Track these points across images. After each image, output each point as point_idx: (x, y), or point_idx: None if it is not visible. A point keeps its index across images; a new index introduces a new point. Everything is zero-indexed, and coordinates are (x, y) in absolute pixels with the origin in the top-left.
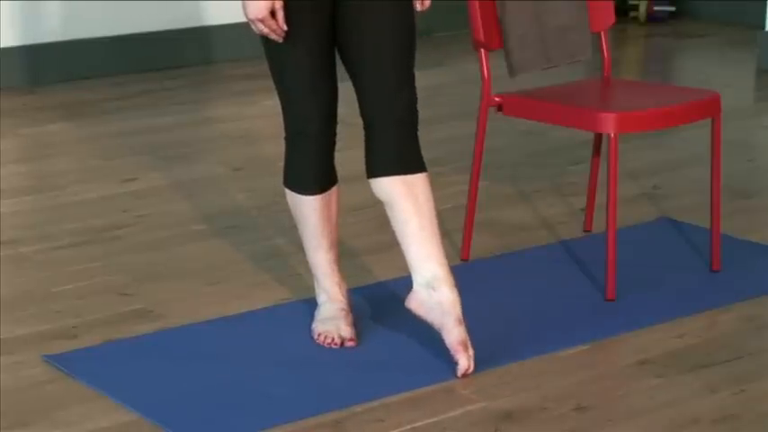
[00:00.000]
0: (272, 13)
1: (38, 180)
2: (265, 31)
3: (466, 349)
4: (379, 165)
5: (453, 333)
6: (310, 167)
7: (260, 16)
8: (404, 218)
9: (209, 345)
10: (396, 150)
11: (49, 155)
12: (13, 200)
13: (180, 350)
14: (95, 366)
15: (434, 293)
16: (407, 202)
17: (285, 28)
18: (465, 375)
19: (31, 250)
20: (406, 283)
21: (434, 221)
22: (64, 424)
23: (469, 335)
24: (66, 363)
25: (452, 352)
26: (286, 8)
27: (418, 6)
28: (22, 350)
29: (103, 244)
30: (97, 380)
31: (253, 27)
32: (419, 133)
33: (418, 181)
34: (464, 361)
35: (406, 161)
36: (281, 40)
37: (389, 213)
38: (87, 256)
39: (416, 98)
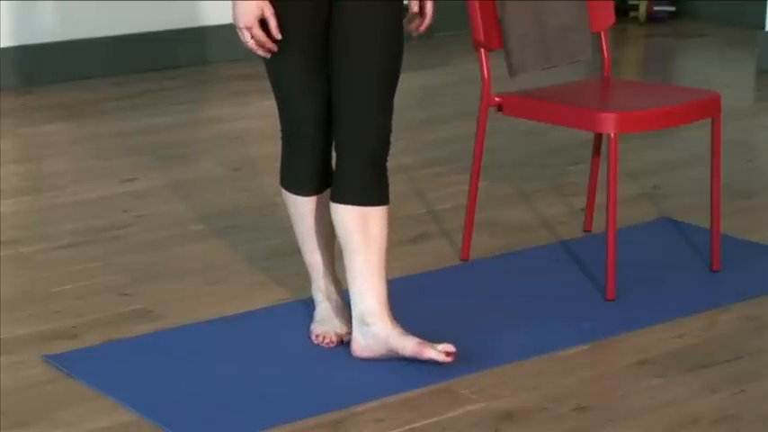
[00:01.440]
0: (264, 22)
1: (37, 180)
2: (251, 43)
3: (426, 345)
4: (339, 192)
5: (406, 345)
6: (306, 168)
7: (248, 24)
8: (351, 250)
9: (209, 345)
10: (358, 181)
11: (48, 155)
12: (13, 200)
13: (180, 350)
14: (95, 366)
15: (368, 329)
16: (359, 235)
17: (278, 37)
18: (450, 354)
19: (30, 250)
20: (404, 284)
21: (383, 256)
22: (64, 424)
23: (469, 335)
24: (66, 363)
25: (420, 357)
26: (278, 12)
27: (418, 24)
28: (22, 350)
29: (103, 244)
30: (97, 380)
31: (240, 37)
32: (419, 136)
33: (375, 214)
34: (434, 353)
35: (366, 193)
36: (268, 56)
37: (339, 238)
38: (87, 256)
39: (391, 129)
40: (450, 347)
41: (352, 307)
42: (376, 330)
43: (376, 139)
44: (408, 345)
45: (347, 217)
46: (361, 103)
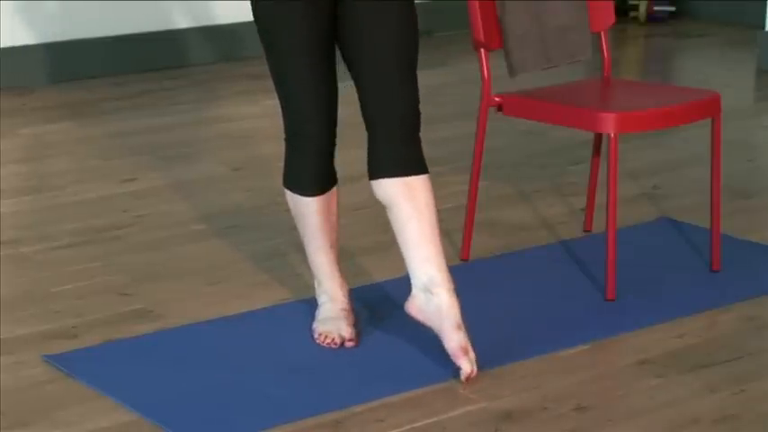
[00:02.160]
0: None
1: (37, 180)
2: None
3: (466, 353)
4: (379, 166)
5: (453, 339)
6: (310, 168)
7: None
8: (403, 220)
9: (209, 345)
10: (397, 152)
11: (48, 155)
12: (13, 200)
13: (180, 350)
14: (95, 366)
15: (432, 298)
16: (407, 204)
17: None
18: (468, 379)
19: (31, 250)
20: (406, 284)
21: (435, 224)
22: (64, 424)
23: (470, 335)
24: (66, 363)
25: (453, 358)
26: (283, 11)
27: None
28: (22, 350)
29: (103, 244)
30: (97, 380)
31: None
32: (420, 136)
33: (419, 183)
34: (466, 366)
35: (407, 163)
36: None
37: (389, 216)
38: (87, 256)
39: (419, 99)
40: (472, 375)
41: (412, 276)
42: (440, 302)
43: (408, 108)
44: (455, 340)
45: (393, 189)
46: (388, 81)
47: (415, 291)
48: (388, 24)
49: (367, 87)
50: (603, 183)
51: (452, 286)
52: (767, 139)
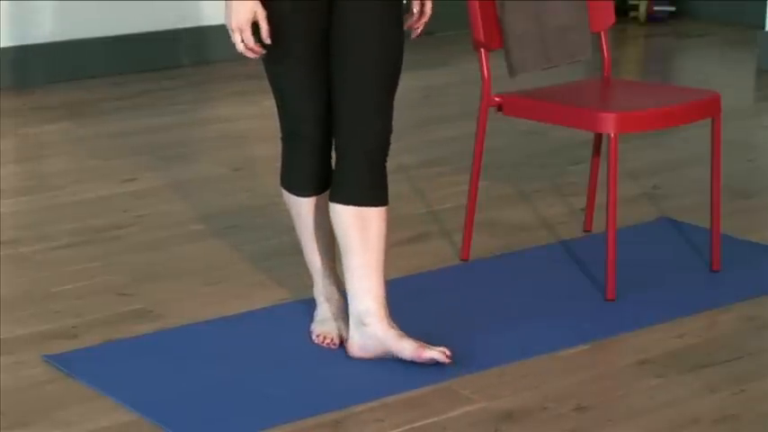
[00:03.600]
0: (256, 26)
1: (37, 180)
2: (240, 46)
3: (425, 347)
4: (337, 192)
5: (404, 347)
6: (306, 169)
7: (241, 25)
8: (350, 250)
9: (209, 345)
10: (357, 181)
11: (48, 155)
12: (13, 200)
13: (180, 350)
14: (95, 366)
15: (366, 329)
16: (357, 234)
17: (268, 42)
18: (449, 357)
19: (30, 250)
20: (404, 284)
21: (381, 256)
22: (64, 424)
23: (470, 335)
24: (66, 363)
25: (419, 360)
26: (279, 12)
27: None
28: (22, 350)
29: (103, 244)
30: (97, 380)
31: (231, 38)
32: (419, 136)
33: (373, 214)
34: (435, 354)
35: (366, 194)
36: (255, 57)
37: (338, 237)
38: (87, 256)
39: (391, 129)
40: (446, 351)
41: (350, 307)
42: (373, 331)
43: (375, 139)
44: (407, 347)
45: (345, 217)
46: (361, 104)
47: (351, 332)
48: (373, 45)
49: (341, 108)
50: (603, 183)
51: (385, 314)
52: (767, 139)
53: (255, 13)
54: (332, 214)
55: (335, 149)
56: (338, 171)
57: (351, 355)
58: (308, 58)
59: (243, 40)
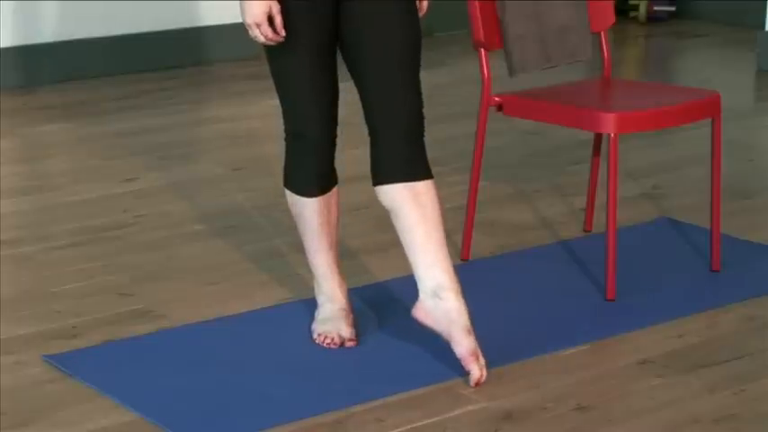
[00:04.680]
0: (271, 19)
1: (37, 180)
2: (261, 38)
3: (477, 359)
4: (384, 172)
5: (463, 344)
6: (310, 169)
7: (257, 20)
8: (409, 226)
9: (209, 345)
10: (401, 157)
11: (48, 155)
12: (13, 200)
13: (180, 350)
14: (95, 366)
15: (440, 302)
16: (413, 210)
17: (283, 34)
18: (478, 384)
19: (31, 250)
20: (406, 284)
21: (441, 229)
22: (64, 424)
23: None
24: (66, 363)
25: (463, 363)
26: (284, 10)
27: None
28: (22, 350)
29: (103, 244)
30: (97, 380)
31: (249, 32)
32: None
33: (424, 188)
34: (476, 371)
35: (412, 168)
36: (274, 44)
37: (394, 221)
38: (87, 256)
39: (422, 103)
40: (481, 380)
41: (419, 281)
42: (449, 307)
43: (409, 116)
44: (465, 345)
45: (398, 195)
46: (391, 83)
47: (422, 296)
48: (390, 27)
49: (369, 91)
50: (603, 183)
51: (460, 290)
52: (767, 139)
53: (270, 7)
54: (383, 197)
55: (371, 133)
56: (379, 153)
57: (415, 316)
58: (314, 58)
59: (262, 33)
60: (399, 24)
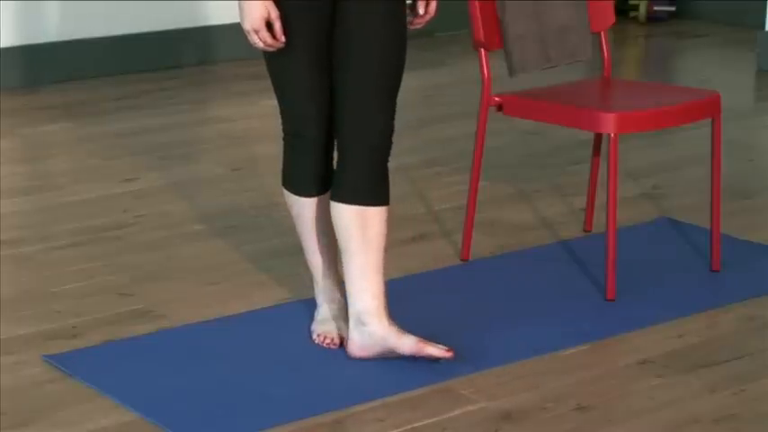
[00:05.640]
0: (269, 25)
1: (38, 180)
2: (260, 44)
3: (426, 343)
4: (338, 191)
5: (404, 343)
6: (308, 168)
7: (256, 27)
8: (350, 250)
9: (209, 345)
10: (358, 180)
11: (48, 155)
12: (13, 200)
13: (180, 350)
14: (95, 366)
15: (364, 329)
16: (357, 234)
17: (282, 40)
18: (451, 351)
19: (31, 250)
20: (403, 284)
21: (381, 256)
22: (64, 424)
23: (470, 336)
24: (66, 363)
25: (419, 354)
26: (282, 10)
27: (419, 19)
28: (22, 350)
29: (103, 244)
30: (97, 380)
31: (248, 39)
32: (419, 136)
33: (374, 214)
34: (435, 350)
35: (366, 193)
36: (273, 50)
37: (338, 236)
38: (87, 256)
39: (393, 129)
40: (449, 352)
41: (349, 306)
42: (372, 329)
43: (377, 138)
44: (407, 343)
45: (346, 216)
46: (363, 103)
47: (351, 333)
48: (376, 49)
49: (344, 104)
50: (603, 183)
51: (384, 312)
52: (767, 139)
53: (269, 12)
54: (333, 213)
55: (337, 148)
56: (340, 170)
57: (351, 355)
58: (312, 58)
59: (260, 39)
60: (385, 43)
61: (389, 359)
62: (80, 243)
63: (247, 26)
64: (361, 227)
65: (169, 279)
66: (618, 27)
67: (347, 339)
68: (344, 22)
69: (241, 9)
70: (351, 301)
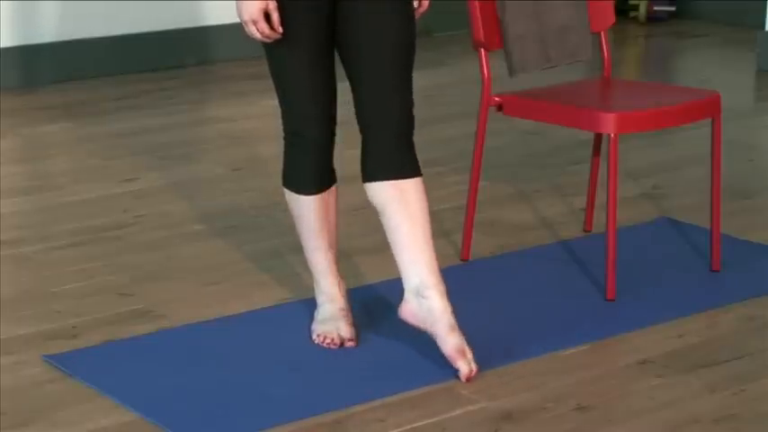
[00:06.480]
0: (267, 16)
1: (38, 180)
2: (257, 35)
3: (463, 355)
4: (371, 169)
5: (448, 342)
6: (309, 167)
7: (254, 17)
8: (395, 225)
9: (209, 345)
10: (389, 155)
11: (48, 155)
12: (13, 200)
13: (180, 350)
14: (95, 366)
15: (424, 301)
16: (399, 208)
17: (280, 31)
18: (468, 379)
19: (31, 250)
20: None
21: (427, 228)
22: (64, 424)
23: (470, 335)
24: (66, 363)
25: (450, 360)
26: (282, 9)
27: (417, 7)
28: (22, 350)
29: (103, 244)
30: (97, 380)
31: (246, 30)
32: (419, 135)
33: (411, 186)
34: (464, 367)
35: (399, 166)
36: (270, 41)
37: (382, 219)
38: (87, 256)
39: (413, 103)
40: (471, 374)
41: (404, 279)
42: (433, 306)
43: (401, 112)
44: (450, 342)
45: (385, 193)
46: (382, 83)
47: (407, 295)
48: (385, 27)
49: (361, 90)
50: (603, 183)
51: (444, 289)
52: (767, 139)
53: (267, 3)
54: (370, 194)
55: (361, 133)
56: (369, 151)
57: (401, 316)
58: (312, 58)
59: (258, 30)
60: (393, 25)
61: (389, 359)
62: (80, 243)
63: (245, 17)
64: (401, 201)
65: (169, 279)
66: (618, 27)
67: (347, 339)
68: (348, 15)
69: (238, 1)
70: (405, 274)
